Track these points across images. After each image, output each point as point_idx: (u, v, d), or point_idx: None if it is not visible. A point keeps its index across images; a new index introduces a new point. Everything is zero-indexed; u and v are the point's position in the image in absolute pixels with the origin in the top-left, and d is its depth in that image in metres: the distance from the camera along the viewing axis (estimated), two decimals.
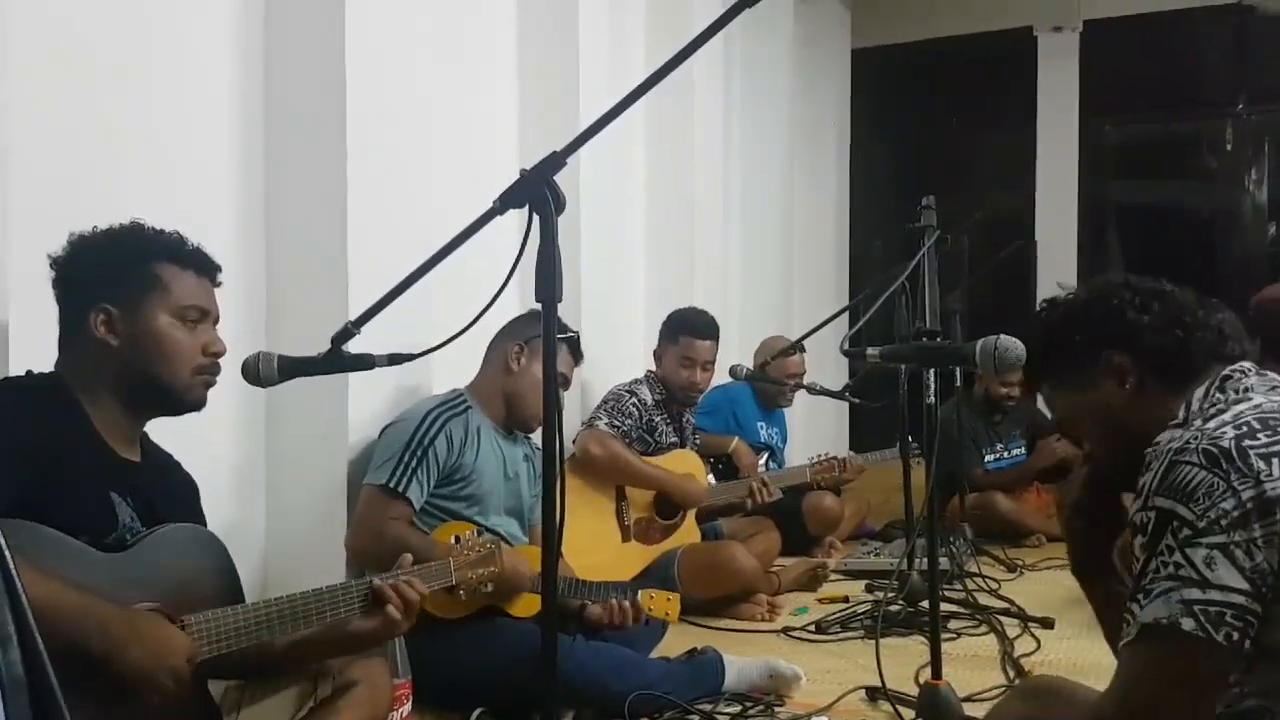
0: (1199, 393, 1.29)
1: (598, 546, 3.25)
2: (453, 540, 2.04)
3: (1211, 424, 1.19)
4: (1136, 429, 1.31)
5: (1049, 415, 5.40)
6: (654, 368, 3.67)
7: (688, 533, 3.52)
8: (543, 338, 1.32)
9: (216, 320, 1.69)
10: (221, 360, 1.67)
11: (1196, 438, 1.17)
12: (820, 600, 3.57)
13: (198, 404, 1.67)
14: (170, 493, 1.69)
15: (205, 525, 1.74)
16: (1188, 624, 1.09)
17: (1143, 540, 1.16)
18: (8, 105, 1.79)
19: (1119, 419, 1.37)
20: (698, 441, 3.82)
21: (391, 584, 1.76)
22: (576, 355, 2.77)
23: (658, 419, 3.54)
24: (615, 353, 3.83)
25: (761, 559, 3.62)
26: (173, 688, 1.41)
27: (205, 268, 1.68)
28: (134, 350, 1.59)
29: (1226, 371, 1.30)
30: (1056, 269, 6.44)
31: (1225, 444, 1.15)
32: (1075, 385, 1.42)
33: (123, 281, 1.59)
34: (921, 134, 6.81)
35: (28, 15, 1.89)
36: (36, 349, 1.65)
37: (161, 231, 1.64)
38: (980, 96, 6.66)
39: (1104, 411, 1.39)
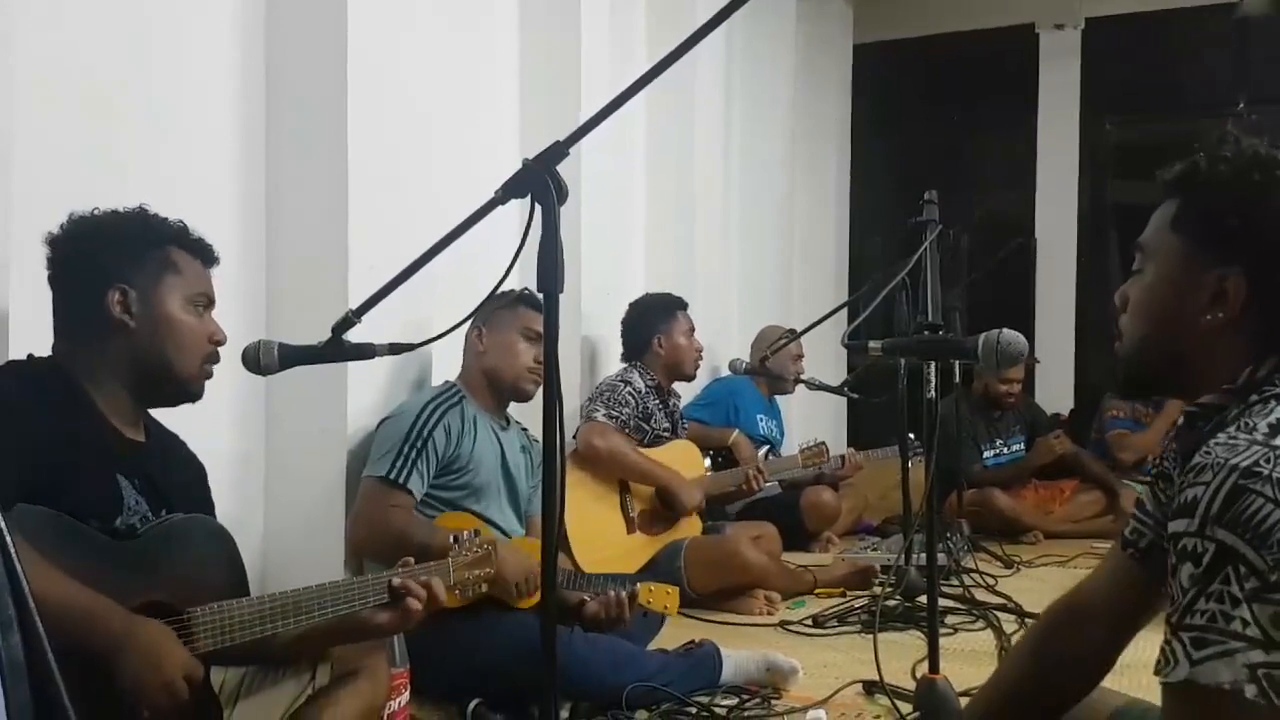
0: (1270, 361, 1.13)
1: (604, 540, 3.25)
2: (450, 541, 2.04)
3: None
4: (1189, 355, 1.18)
5: (1047, 413, 5.41)
6: (633, 363, 3.67)
7: (691, 521, 3.53)
8: (543, 331, 1.32)
9: (214, 308, 1.69)
10: (221, 350, 1.67)
11: (1269, 459, 1.00)
12: (818, 595, 3.57)
13: (197, 395, 1.67)
14: (176, 475, 1.69)
15: (213, 507, 1.74)
16: (1250, 690, 0.98)
17: (1193, 570, 1.01)
18: (11, 95, 1.78)
19: (1184, 334, 1.19)
20: (685, 426, 3.83)
21: (419, 581, 1.75)
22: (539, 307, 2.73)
23: (652, 405, 3.56)
24: (615, 344, 3.84)
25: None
26: (167, 704, 1.38)
27: (209, 257, 1.68)
28: (150, 334, 1.58)
29: None
30: (1056, 268, 6.45)
31: None
32: (1179, 248, 1.20)
33: (140, 262, 1.58)
34: (922, 130, 6.81)
35: (30, 6, 1.88)
36: (37, 337, 1.65)
37: (167, 219, 1.64)
38: (981, 93, 6.66)
39: (1174, 308, 1.20)
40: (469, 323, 2.65)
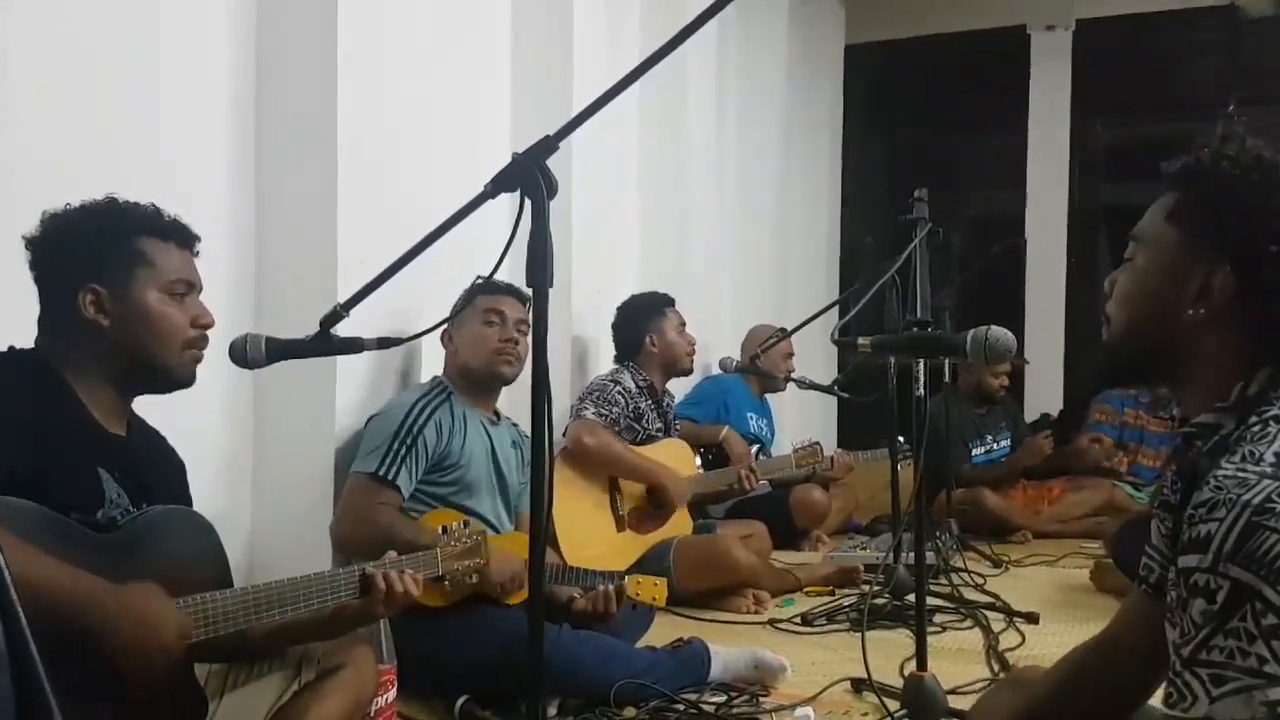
0: (1262, 375, 1.13)
1: (594, 538, 3.25)
2: (440, 531, 2.04)
3: None
4: (1172, 347, 1.18)
5: (1037, 414, 5.40)
6: (624, 364, 3.67)
7: (681, 520, 3.53)
8: (531, 326, 1.31)
9: (200, 290, 1.67)
10: (210, 335, 1.65)
11: None
12: (807, 593, 3.57)
13: (187, 381, 1.65)
14: (157, 469, 1.67)
15: (191, 503, 1.73)
16: None
17: (1206, 607, 1.00)
18: (7, 89, 1.77)
19: (1167, 325, 1.19)
20: (678, 427, 3.83)
21: (383, 573, 1.75)
22: (503, 288, 2.67)
23: (644, 405, 3.56)
24: (606, 344, 3.83)
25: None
26: (164, 666, 1.39)
27: (185, 239, 1.65)
28: (126, 330, 1.57)
29: None
30: (1046, 268, 6.47)
31: None
32: (1173, 240, 1.19)
33: (107, 260, 1.57)
34: (914, 130, 6.82)
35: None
36: (22, 329, 1.63)
37: (137, 204, 1.62)
38: (973, 94, 6.67)
39: (1161, 298, 1.19)
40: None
